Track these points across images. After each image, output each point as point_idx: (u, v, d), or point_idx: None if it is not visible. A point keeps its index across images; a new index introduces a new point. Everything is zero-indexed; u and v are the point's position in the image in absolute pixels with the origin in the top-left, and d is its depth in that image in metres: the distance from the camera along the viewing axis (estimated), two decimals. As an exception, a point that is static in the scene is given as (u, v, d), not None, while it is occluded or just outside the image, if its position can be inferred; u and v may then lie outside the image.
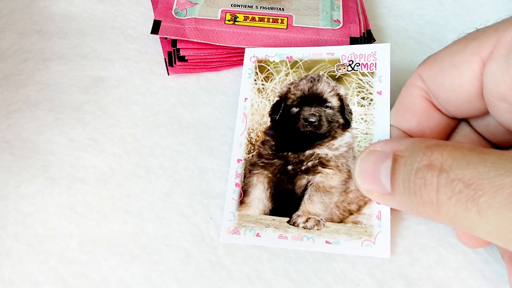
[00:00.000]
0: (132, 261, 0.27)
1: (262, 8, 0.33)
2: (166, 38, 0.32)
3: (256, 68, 0.31)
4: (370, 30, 0.33)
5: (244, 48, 0.32)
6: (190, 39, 0.31)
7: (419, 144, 0.21)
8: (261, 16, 0.32)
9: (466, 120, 0.27)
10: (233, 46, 0.32)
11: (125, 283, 0.26)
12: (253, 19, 0.32)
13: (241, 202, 0.28)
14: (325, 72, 0.30)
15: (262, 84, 0.30)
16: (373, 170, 0.23)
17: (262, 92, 0.30)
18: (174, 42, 0.32)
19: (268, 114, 0.30)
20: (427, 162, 0.20)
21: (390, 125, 0.27)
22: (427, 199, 0.20)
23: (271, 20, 0.32)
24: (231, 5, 0.33)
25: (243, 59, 0.32)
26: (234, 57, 0.33)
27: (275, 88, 0.30)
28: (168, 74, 0.33)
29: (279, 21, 0.32)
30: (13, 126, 0.31)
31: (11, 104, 0.32)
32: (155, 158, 0.30)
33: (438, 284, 0.26)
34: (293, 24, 0.32)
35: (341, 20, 0.32)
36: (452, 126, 0.27)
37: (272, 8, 0.33)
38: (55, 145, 0.30)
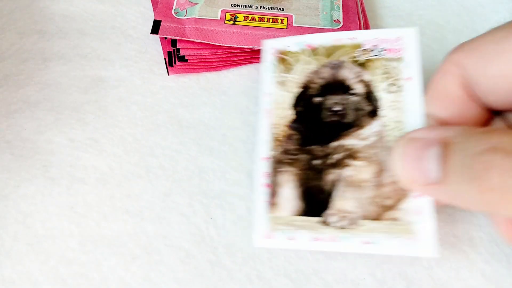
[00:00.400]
0: (132, 261, 0.27)
1: (262, 8, 0.33)
2: (166, 38, 0.32)
3: (275, 60, 0.29)
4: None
5: (244, 48, 0.32)
6: (190, 39, 0.31)
7: (472, 130, 0.20)
8: (261, 16, 0.32)
9: (501, 115, 0.25)
10: (233, 46, 0.32)
11: (125, 283, 0.26)
12: (253, 19, 0.32)
13: (271, 204, 0.26)
14: (347, 58, 0.27)
15: (283, 76, 0.28)
16: (417, 158, 0.22)
17: (283, 85, 0.28)
18: (174, 42, 0.32)
19: (291, 107, 0.28)
20: (489, 146, 0.19)
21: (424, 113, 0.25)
22: (490, 185, 0.18)
23: (271, 20, 0.32)
24: (231, 5, 0.33)
25: (243, 59, 0.31)
26: (234, 57, 0.33)
27: (296, 79, 0.28)
28: (168, 74, 0.33)
29: (279, 21, 0.32)
30: (13, 126, 0.31)
31: (11, 104, 0.32)
32: (155, 158, 0.30)
33: (438, 284, 0.26)
34: (293, 24, 0.32)
35: (341, 20, 0.32)
36: (486, 120, 0.25)
37: (272, 8, 0.33)
38: (55, 145, 0.30)
